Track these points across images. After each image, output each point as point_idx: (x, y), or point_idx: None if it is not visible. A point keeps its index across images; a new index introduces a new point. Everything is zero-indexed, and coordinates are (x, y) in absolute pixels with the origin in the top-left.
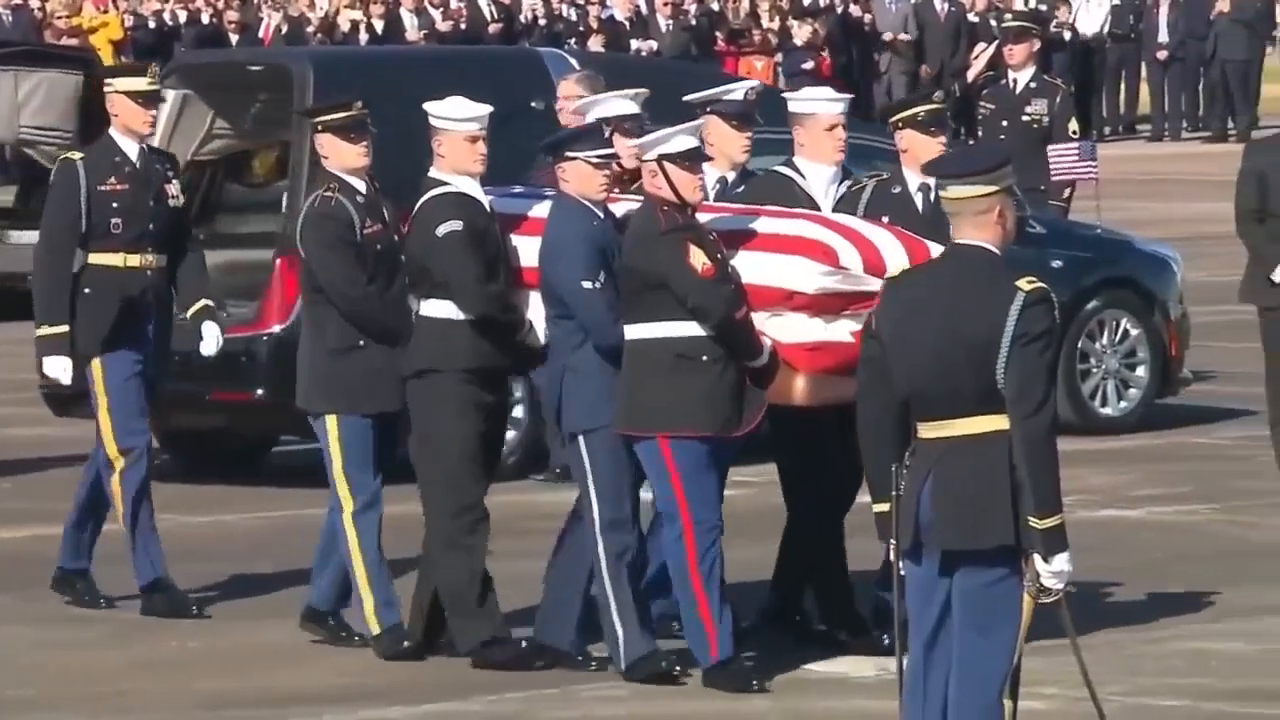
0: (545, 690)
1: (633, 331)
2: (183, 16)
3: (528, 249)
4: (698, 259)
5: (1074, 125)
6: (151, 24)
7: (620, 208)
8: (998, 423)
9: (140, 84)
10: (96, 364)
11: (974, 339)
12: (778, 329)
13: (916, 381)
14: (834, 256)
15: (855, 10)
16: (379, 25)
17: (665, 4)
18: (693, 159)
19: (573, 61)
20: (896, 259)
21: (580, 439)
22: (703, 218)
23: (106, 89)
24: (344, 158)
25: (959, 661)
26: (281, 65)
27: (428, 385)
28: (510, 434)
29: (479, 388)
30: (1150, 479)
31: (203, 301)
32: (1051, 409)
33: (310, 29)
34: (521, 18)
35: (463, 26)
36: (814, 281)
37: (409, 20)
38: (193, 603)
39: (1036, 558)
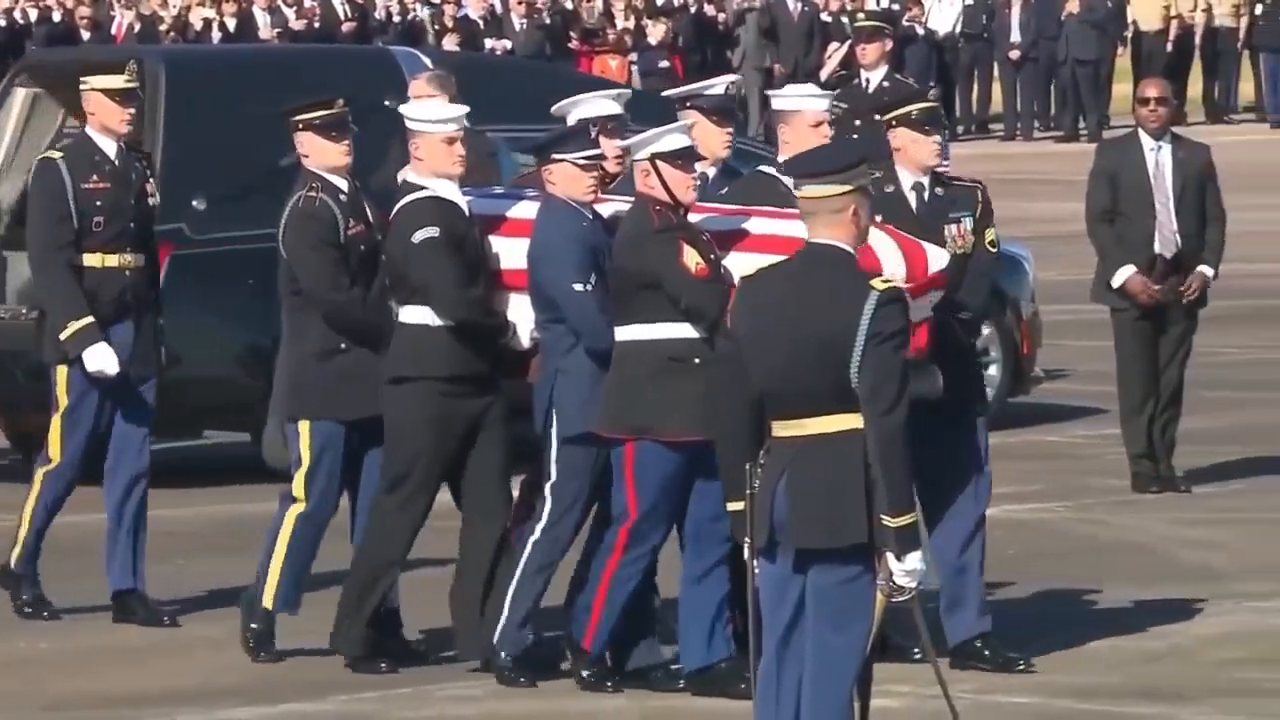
0: (399, 690)
1: (623, 333)
2: (34, 14)
3: (511, 251)
4: (691, 259)
5: None
6: (2, 21)
7: (607, 208)
8: (852, 421)
9: (117, 82)
10: (63, 370)
11: (828, 338)
12: None
13: (771, 380)
14: None
15: (709, 9)
16: (231, 24)
17: (519, 3)
18: (686, 158)
19: (426, 60)
20: (892, 259)
21: (554, 442)
22: (693, 218)
23: (83, 87)
24: (326, 156)
25: (812, 659)
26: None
27: (402, 392)
28: None
29: (456, 396)
30: (1003, 477)
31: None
32: (905, 408)
33: (163, 27)
34: (375, 16)
35: (316, 25)
36: None
37: (262, 19)
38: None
39: (890, 556)
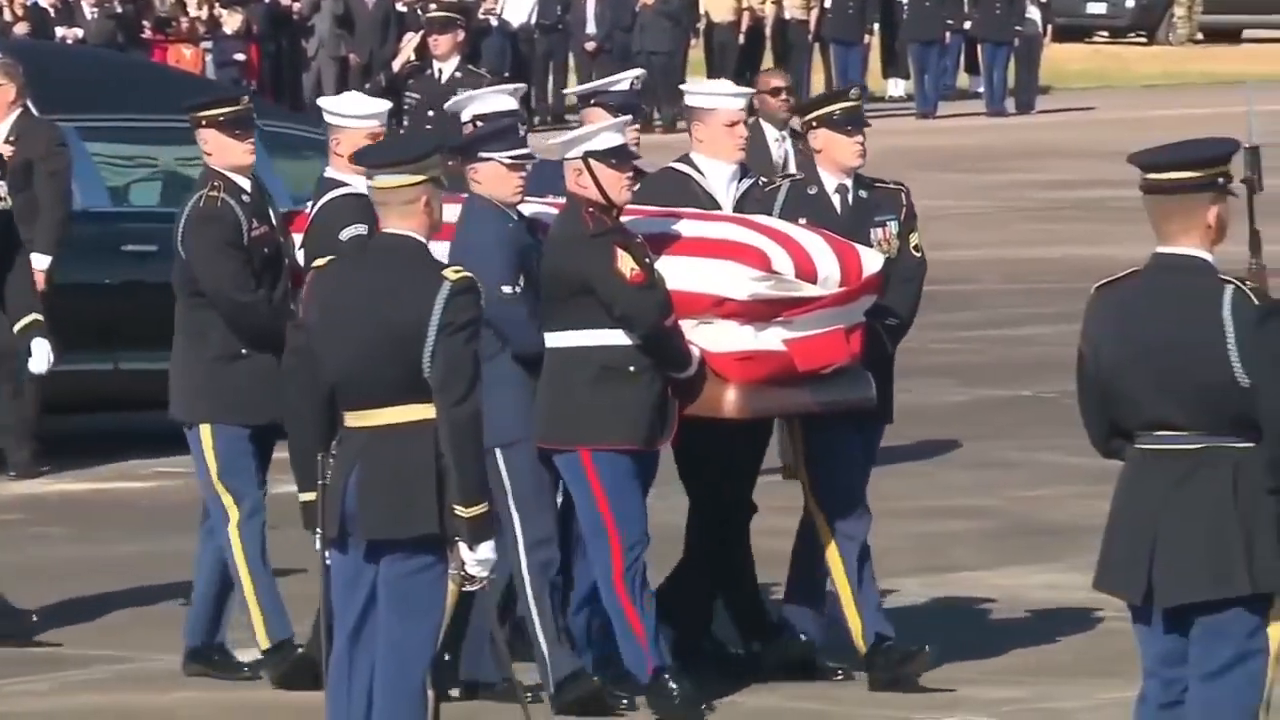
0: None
1: (555, 339)
2: None
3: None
4: (625, 264)
5: None
6: None
7: (529, 209)
8: (424, 412)
9: None
10: (206, 429)
11: (400, 328)
12: (707, 338)
13: (343, 370)
14: (765, 261)
15: None
16: None
17: None
18: (620, 157)
19: None
20: (827, 262)
21: (499, 453)
22: (622, 220)
23: None
24: (229, 155)
25: (383, 648)
26: None
27: None
28: None
29: None
30: None
31: (32, 316)
32: (477, 398)
33: None
34: None
35: None
36: (746, 287)
37: None
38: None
39: (462, 546)
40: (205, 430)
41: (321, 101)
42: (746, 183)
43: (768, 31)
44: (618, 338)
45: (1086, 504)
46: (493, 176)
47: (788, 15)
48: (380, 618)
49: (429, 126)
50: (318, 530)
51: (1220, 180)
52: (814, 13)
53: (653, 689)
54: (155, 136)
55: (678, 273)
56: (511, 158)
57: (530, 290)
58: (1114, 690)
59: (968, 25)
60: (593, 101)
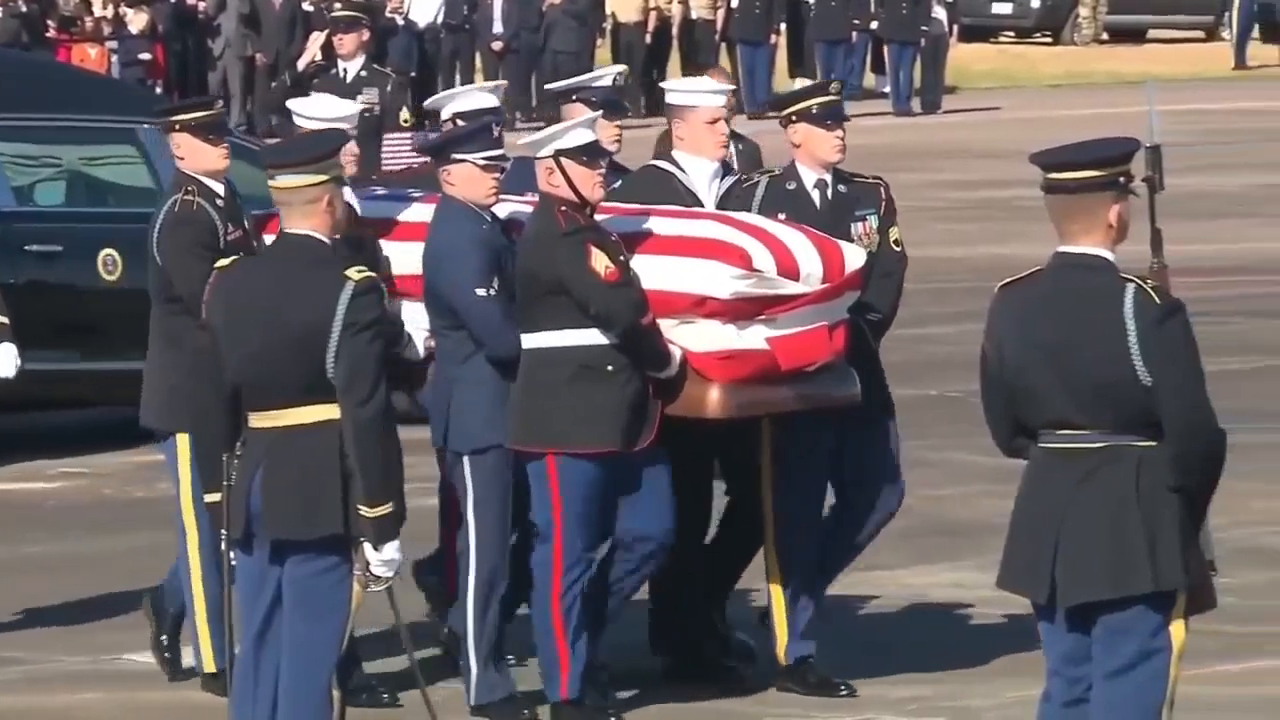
0: None
1: (531, 340)
2: None
3: (401, 256)
4: (600, 262)
5: (406, 114)
6: None
7: (505, 208)
8: (328, 412)
9: None
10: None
11: (303, 328)
12: (688, 337)
13: (247, 371)
14: (747, 259)
15: None
16: None
17: None
18: (592, 154)
19: None
20: (809, 259)
21: (466, 460)
22: (597, 218)
23: None
24: (203, 159)
25: (289, 649)
26: None
27: None
28: None
29: None
30: None
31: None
32: (382, 398)
33: None
34: None
35: None
36: (728, 286)
37: None
38: None
39: (367, 546)
40: (183, 441)
41: (292, 104)
42: (729, 180)
43: (675, 31)
44: (594, 337)
45: (993, 503)
46: (466, 178)
47: (694, 15)
48: (285, 619)
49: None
50: (223, 531)
51: (1121, 180)
52: (721, 12)
53: (559, 713)
54: (60, 136)
55: (659, 272)
56: (485, 159)
57: (505, 292)
58: (1020, 689)
59: (874, 25)
60: (574, 98)
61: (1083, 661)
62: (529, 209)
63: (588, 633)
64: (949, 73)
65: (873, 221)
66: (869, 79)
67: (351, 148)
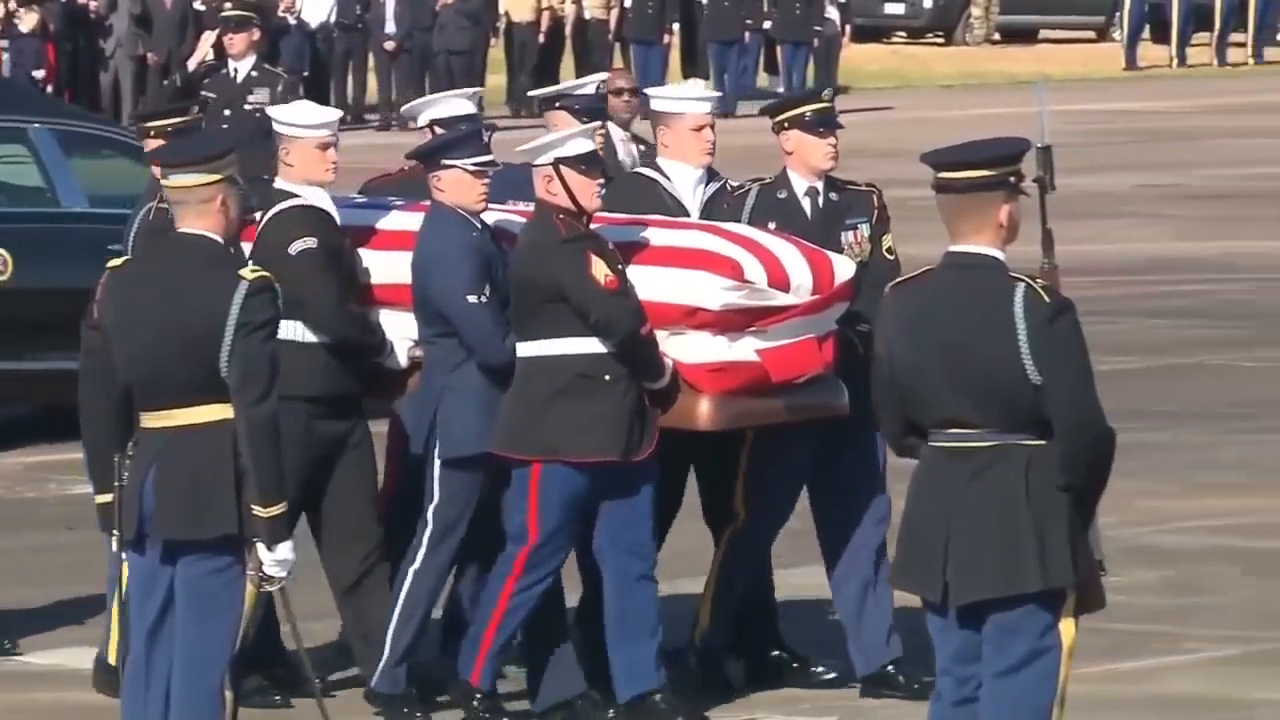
0: None
1: (527, 349)
2: None
3: (383, 265)
4: (600, 271)
5: None
6: None
7: (491, 217)
8: (221, 412)
9: None
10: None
11: (195, 328)
12: (678, 348)
13: (138, 370)
14: (738, 270)
15: None
16: None
17: None
18: (590, 163)
19: None
20: (799, 270)
21: (438, 464)
22: (592, 227)
23: None
24: None
25: (181, 650)
26: None
27: None
28: None
29: (323, 417)
30: None
31: None
32: (274, 397)
33: None
34: None
35: None
36: (719, 297)
37: None
38: None
39: (260, 546)
40: None
41: (271, 110)
42: (714, 186)
43: (568, 31)
44: (591, 345)
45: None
46: (456, 184)
47: (588, 15)
48: (178, 619)
49: (225, 125)
50: (114, 532)
51: (1012, 179)
52: (614, 12)
53: (458, 691)
54: None
55: (649, 283)
56: (476, 165)
57: (496, 299)
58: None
59: (767, 25)
60: (557, 105)
61: (972, 660)
62: (516, 218)
63: (531, 640)
64: (841, 73)
65: (864, 230)
66: (762, 79)
67: (332, 154)
